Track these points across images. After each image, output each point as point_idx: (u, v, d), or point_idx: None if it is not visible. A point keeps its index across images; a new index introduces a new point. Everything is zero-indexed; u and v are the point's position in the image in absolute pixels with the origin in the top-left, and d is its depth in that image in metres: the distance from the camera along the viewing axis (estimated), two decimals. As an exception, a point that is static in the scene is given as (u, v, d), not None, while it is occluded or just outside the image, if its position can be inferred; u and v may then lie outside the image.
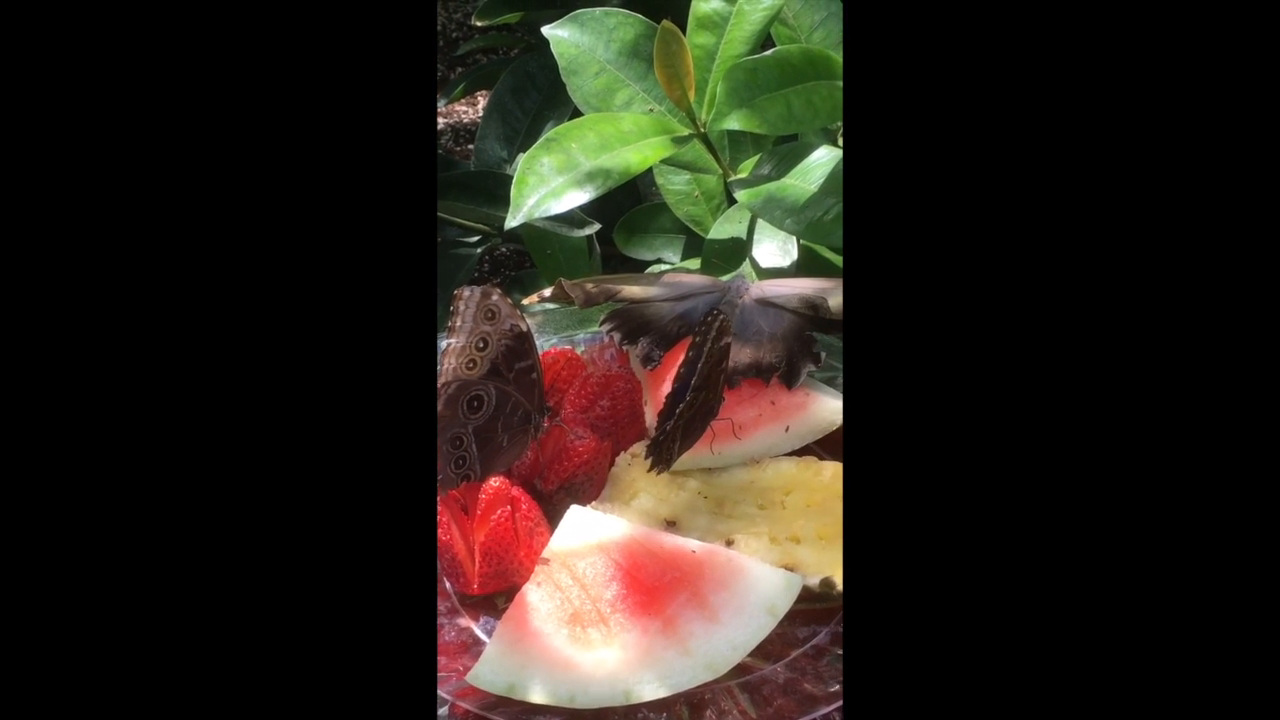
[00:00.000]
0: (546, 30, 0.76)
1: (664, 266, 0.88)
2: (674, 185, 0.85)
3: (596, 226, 0.85)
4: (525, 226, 0.88)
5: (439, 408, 0.52)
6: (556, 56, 0.75)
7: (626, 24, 0.75)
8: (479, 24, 0.98)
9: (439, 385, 0.53)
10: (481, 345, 0.53)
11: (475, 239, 0.97)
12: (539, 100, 0.97)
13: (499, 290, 0.54)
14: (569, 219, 0.84)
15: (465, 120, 1.55)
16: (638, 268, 0.91)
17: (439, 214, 0.94)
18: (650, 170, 0.83)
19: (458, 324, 0.53)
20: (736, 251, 0.80)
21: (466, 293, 0.53)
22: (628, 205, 0.94)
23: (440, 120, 1.54)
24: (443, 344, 0.54)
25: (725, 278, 0.68)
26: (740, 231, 0.80)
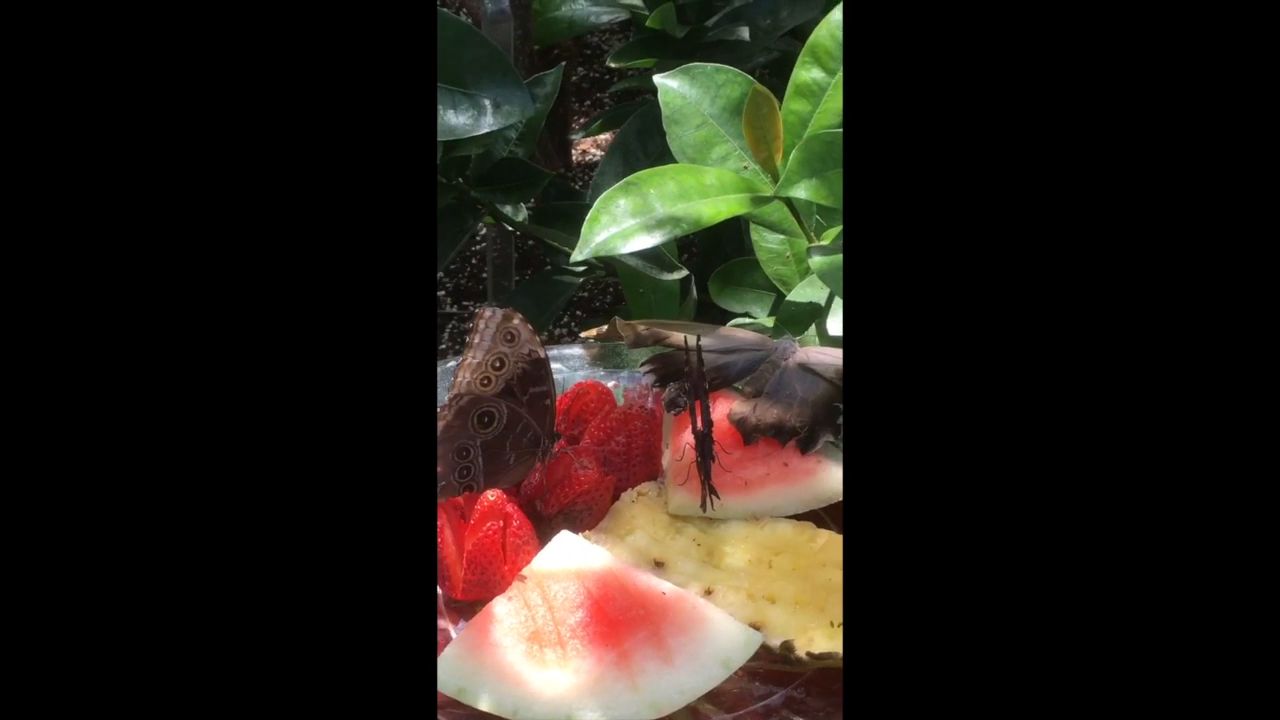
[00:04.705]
0: (657, 79, 0.79)
1: (746, 321, 0.90)
2: (767, 243, 0.86)
3: (684, 272, 0.87)
4: (620, 265, 0.91)
5: (449, 417, 0.55)
6: (661, 105, 0.78)
7: (734, 81, 0.77)
8: (612, 64, 1.02)
9: (450, 396, 0.55)
10: (498, 365, 0.56)
11: (580, 268, 1.01)
12: (662, 144, 0.99)
13: (520, 315, 0.56)
14: (659, 261, 0.87)
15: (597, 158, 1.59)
16: (725, 318, 0.92)
17: (547, 240, 0.97)
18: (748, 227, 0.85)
19: (476, 341, 0.56)
20: (813, 316, 0.80)
21: (488, 313, 0.56)
22: (732, 256, 0.95)
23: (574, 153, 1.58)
24: (455, 361, 0.56)
25: (776, 339, 0.69)
26: (820, 297, 0.81)
